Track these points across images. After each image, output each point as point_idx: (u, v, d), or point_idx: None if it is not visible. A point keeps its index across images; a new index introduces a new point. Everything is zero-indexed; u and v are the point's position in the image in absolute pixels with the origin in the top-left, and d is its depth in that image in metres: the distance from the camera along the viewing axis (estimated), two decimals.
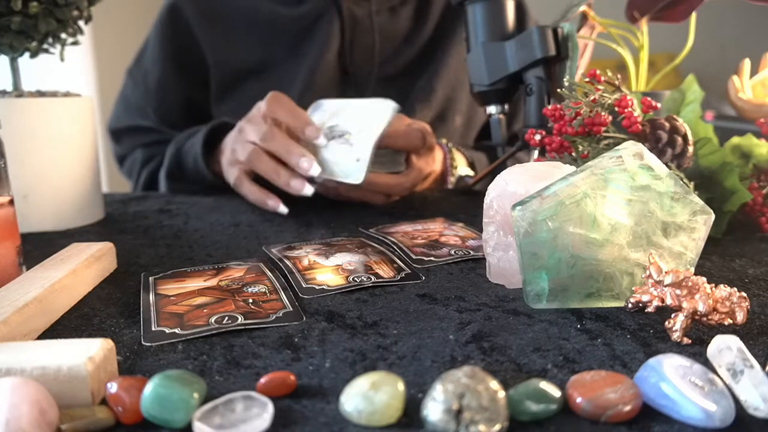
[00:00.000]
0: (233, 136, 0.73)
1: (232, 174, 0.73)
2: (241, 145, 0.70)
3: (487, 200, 0.45)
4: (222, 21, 0.93)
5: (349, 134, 0.67)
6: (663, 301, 0.36)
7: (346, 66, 0.93)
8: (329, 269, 0.48)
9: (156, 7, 1.02)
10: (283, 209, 0.68)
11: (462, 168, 0.86)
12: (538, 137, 0.56)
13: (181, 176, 0.86)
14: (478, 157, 0.92)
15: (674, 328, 0.35)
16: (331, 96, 0.92)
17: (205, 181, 0.82)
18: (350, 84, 0.94)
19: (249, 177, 0.72)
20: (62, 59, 0.65)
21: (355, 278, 0.46)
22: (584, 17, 0.72)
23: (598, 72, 0.55)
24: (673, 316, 0.36)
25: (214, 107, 0.96)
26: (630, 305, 0.38)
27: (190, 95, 0.97)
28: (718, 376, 0.30)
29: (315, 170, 0.65)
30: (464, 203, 0.75)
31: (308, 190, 0.66)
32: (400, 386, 0.28)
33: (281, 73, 0.93)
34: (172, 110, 0.98)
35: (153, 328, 0.38)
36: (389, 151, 0.71)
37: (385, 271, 0.48)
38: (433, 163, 0.78)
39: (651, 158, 0.39)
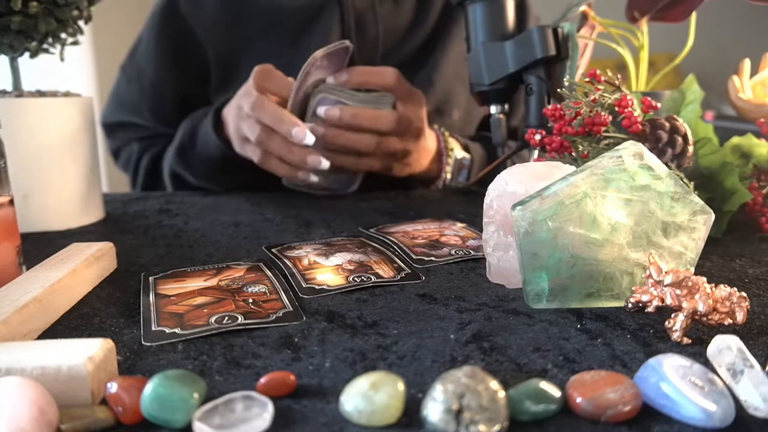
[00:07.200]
0: (233, 112, 0.75)
1: (253, 153, 0.75)
2: (245, 122, 0.72)
3: (487, 200, 0.45)
4: (221, 13, 0.93)
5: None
6: (663, 301, 0.36)
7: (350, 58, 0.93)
8: (329, 269, 0.48)
9: None
10: (325, 164, 0.69)
11: (458, 151, 0.86)
12: (538, 137, 0.56)
13: (192, 150, 0.86)
14: (473, 145, 0.91)
15: (674, 328, 0.35)
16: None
17: (213, 153, 0.82)
18: None
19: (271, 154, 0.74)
20: (62, 59, 0.65)
21: (355, 278, 0.46)
22: (584, 17, 0.72)
23: (598, 72, 0.55)
24: (673, 316, 0.36)
25: (214, 99, 0.95)
26: (630, 305, 0.38)
27: (186, 92, 0.97)
28: (718, 376, 0.30)
29: (309, 139, 0.67)
30: (464, 203, 0.75)
31: (325, 164, 0.69)
32: (400, 386, 0.28)
33: (281, 65, 0.92)
34: (168, 108, 0.97)
35: (153, 328, 0.38)
36: (374, 95, 0.72)
37: (385, 271, 0.48)
38: (421, 124, 0.77)
39: (651, 158, 0.39)
